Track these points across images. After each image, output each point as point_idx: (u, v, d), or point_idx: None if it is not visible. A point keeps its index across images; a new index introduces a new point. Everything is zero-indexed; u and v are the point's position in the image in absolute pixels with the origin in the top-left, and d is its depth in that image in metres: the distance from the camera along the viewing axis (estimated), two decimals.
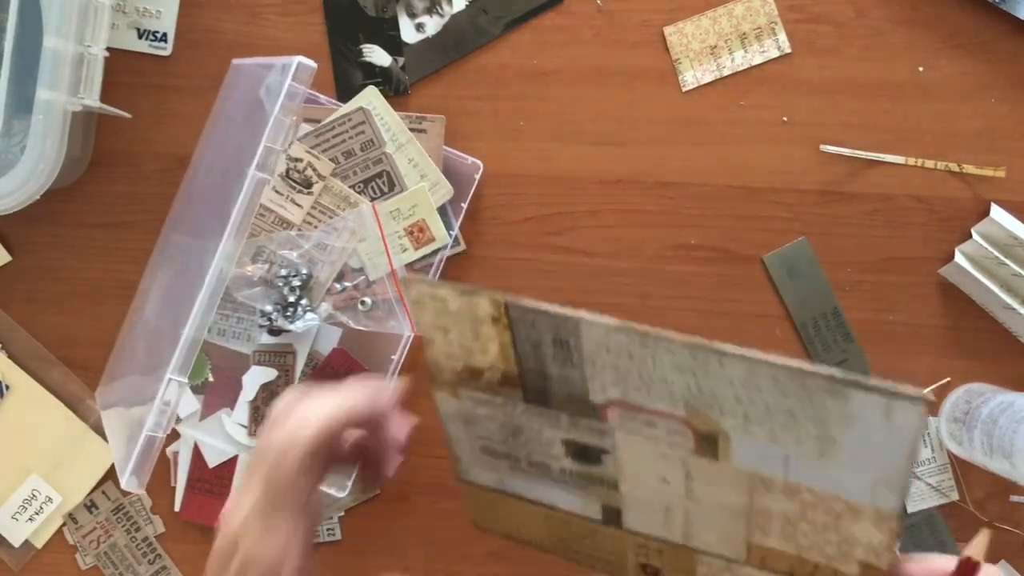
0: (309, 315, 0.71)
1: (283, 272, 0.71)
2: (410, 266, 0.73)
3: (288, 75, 0.58)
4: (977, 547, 0.46)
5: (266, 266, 0.72)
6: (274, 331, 0.72)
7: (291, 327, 0.71)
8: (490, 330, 0.45)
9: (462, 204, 0.72)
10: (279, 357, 0.73)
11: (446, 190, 0.72)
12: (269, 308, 0.71)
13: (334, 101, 0.72)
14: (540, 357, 0.44)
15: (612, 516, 0.50)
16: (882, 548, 0.42)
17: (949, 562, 0.44)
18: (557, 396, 0.46)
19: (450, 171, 0.72)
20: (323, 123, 0.71)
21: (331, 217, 0.72)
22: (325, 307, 0.72)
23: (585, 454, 0.47)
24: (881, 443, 0.38)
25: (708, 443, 0.43)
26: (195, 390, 0.73)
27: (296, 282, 0.71)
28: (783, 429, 0.40)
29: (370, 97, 0.71)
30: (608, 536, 0.50)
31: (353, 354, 0.73)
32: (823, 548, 0.44)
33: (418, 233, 0.72)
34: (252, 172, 0.59)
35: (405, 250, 0.72)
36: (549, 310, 0.42)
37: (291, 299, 0.71)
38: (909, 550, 0.73)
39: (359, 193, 0.72)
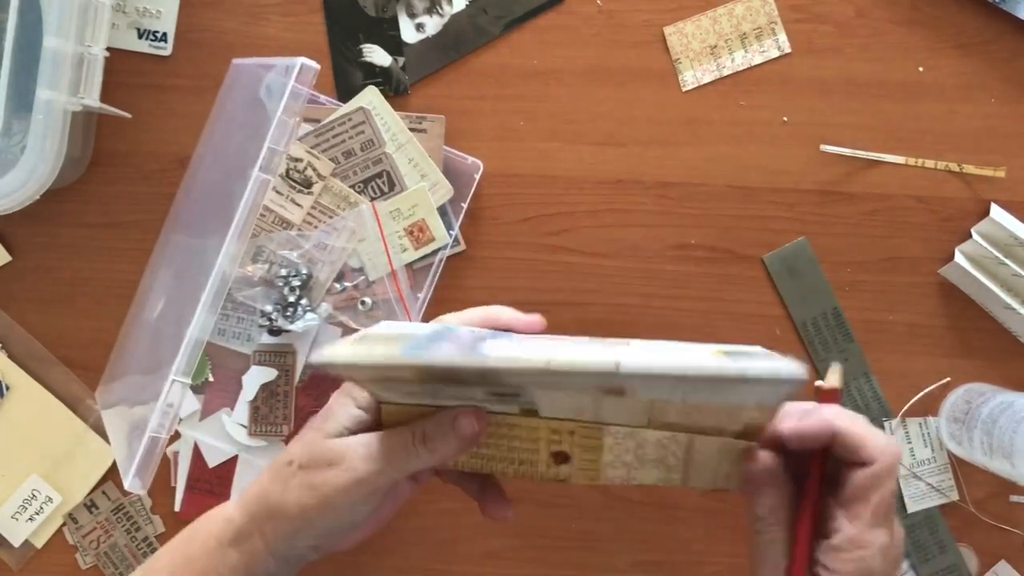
0: (309, 315, 0.71)
1: (283, 272, 0.71)
2: (410, 266, 0.73)
3: (292, 76, 0.58)
4: (832, 377, 0.53)
5: (266, 266, 0.72)
6: (274, 331, 0.72)
7: (291, 327, 0.71)
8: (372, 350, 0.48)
9: (462, 204, 0.72)
10: (279, 357, 0.73)
11: (446, 190, 0.72)
12: (269, 308, 0.71)
13: (334, 101, 0.72)
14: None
15: (529, 412, 0.52)
16: (765, 419, 0.48)
17: (810, 406, 0.51)
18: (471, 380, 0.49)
19: (450, 171, 0.72)
20: (323, 123, 0.71)
21: (331, 217, 0.72)
22: (325, 307, 0.72)
23: (503, 398, 0.50)
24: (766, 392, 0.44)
25: (617, 391, 0.47)
26: (195, 390, 0.73)
27: (296, 282, 0.71)
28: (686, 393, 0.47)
29: (370, 97, 0.71)
30: (524, 428, 0.52)
31: None
32: (715, 417, 0.49)
33: (418, 233, 0.72)
34: (256, 173, 0.59)
35: (405, 250, 0.72)
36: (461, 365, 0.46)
37: (291, 299, 0.71)
38: (909, 550, 0.73)
39: (359, 193, 0.72)
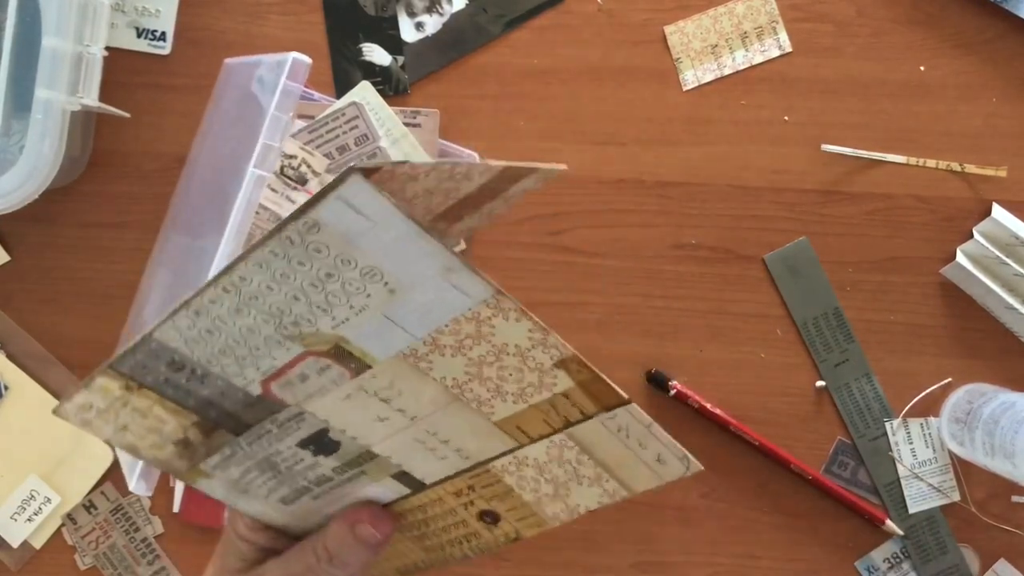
0: None
1: None
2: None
3: (284, 72, 0.58)
4: None
5: None
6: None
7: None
8: (139, 399, 0.44)
9: None
10: None
11: None
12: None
13: (327, 97, 0.72)
14: (184, 389, 0.44)
15: (409, 481, 0.49)
16: (551, 344, 0.42)
17: None
18: (237, 411, 0.45)
19: None
20: (317, 119, 0.71)
21: None
22: None
23: (321, 444, 0.47)
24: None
25: (347, 357, 0.42)
26: None
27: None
28: (352, 295, 0.40)
29: (363, 92, 0.71)
30: (430, 504, 0.50)
31: None
32: (526, 381, 0.44)
33: None
34: (251, 170, 0.59)
35: None
36: (128, 345, 0.42)
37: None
38: (910, 550, 0.73)
39: None
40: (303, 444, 0.47)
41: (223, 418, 0.45)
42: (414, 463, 0.47)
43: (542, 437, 0.46)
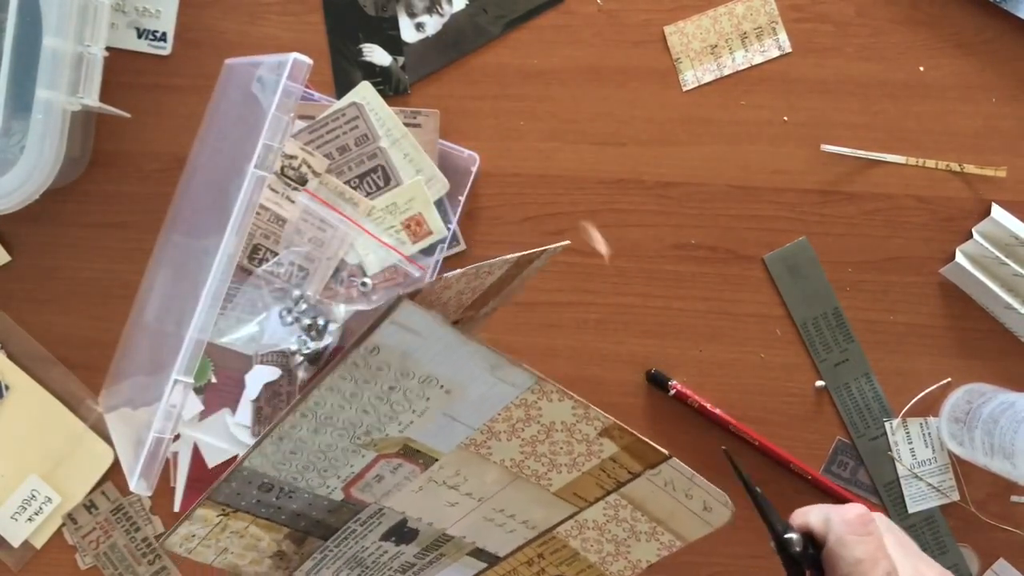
0: (331, 326, 0.71)
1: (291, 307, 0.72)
2: (411, 259, 0.73)
3: (284, 72, 0.58)
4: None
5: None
6: (313, 358, 0.72)
7: (324, 344, 0.71)
8: (235, 522, 0.49)
9: (459, 197, 0.72)
10: (282, 356, 0.73)
11: (442, 184, 0.72)
12: (295, 346, 0.71)
13: (328, 97, 0.72)
14: (275, 507, 0.49)
15: (486, 556, 0.54)
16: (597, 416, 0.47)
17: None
18: (323, 518, 0.50)
19: (447, 164, 0.72)
20: (317, 119, 0.71)
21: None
22: (339, 310, 0.72)
23: (401, 534, 0.52)
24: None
25: (415, 454, 0.48)
26: (196, 390, 0.73)
27: (303, 306, 0.71)
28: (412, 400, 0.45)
29: (364, 92, 0.71)
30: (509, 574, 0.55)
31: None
32: (576, 452, 0.49)
33: (415, 227, 0.72)
34: (252, 170, 0.59)
35: (403, 244, 0.72)
36: (222, 477, 0.47)
37: (307, 322, 0.71)
38: None
39: (354, 188, 0.72)
40: (385, 537, 0.52)
41: (312, 526, 0.50)
42: (487, 539, 0.52)
43: (598, 500, 0.51)
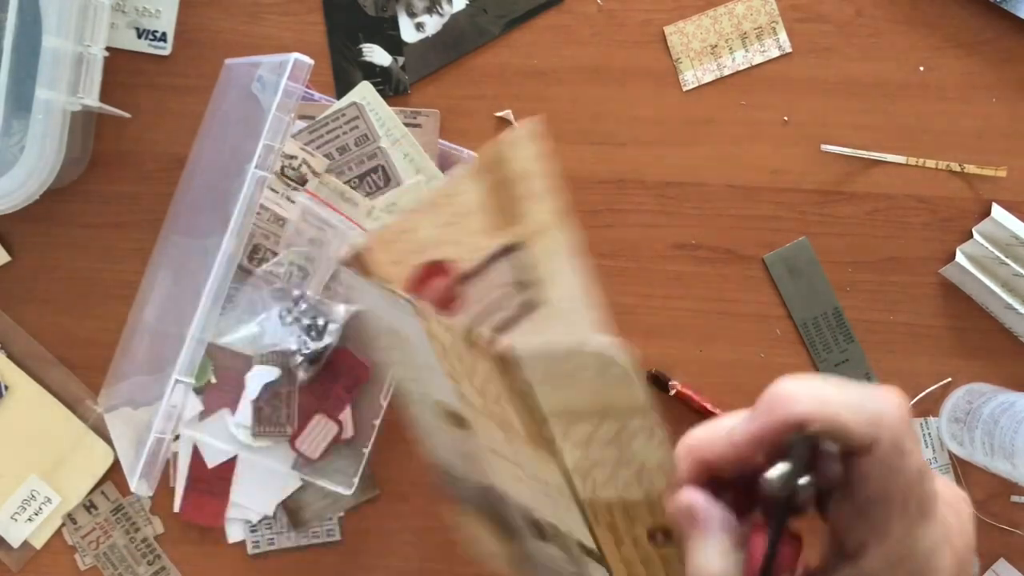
0: (331, 325, 0.71)
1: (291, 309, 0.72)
2: None
3: (285, 72, 0.58)
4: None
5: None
6: (315, 358, 0.72)
7: (324, 343, 0.71)
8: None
9: None
10: (282, 356, 0.73)
11: None
12: (294, 347, 0.71)
13: (328, 97, 0.72)
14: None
15: (591, 553, 0.51)
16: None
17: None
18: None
19: (447, 164, 0.72)
20: (317, 119, 0.71)
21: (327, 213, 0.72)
22: (341, 309, 0.72)
23: (534, 525, 0.49)
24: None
25: (455, 419, 0.46)
26: (195, 390, 0.73)
27: (303, 306, 0.71)
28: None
29: (364, 92, 0.71)
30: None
31: (355, 351, 0.72)
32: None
33: None
34: (252, 170, 0.59)
35: None
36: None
37: (307, 322, 0.71)
38: None
39: (354, 188, 0.72)
40: (533, 533, 0.49)
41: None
42: (561, 519, 0.49)
43: (553, 436, 0.48)
